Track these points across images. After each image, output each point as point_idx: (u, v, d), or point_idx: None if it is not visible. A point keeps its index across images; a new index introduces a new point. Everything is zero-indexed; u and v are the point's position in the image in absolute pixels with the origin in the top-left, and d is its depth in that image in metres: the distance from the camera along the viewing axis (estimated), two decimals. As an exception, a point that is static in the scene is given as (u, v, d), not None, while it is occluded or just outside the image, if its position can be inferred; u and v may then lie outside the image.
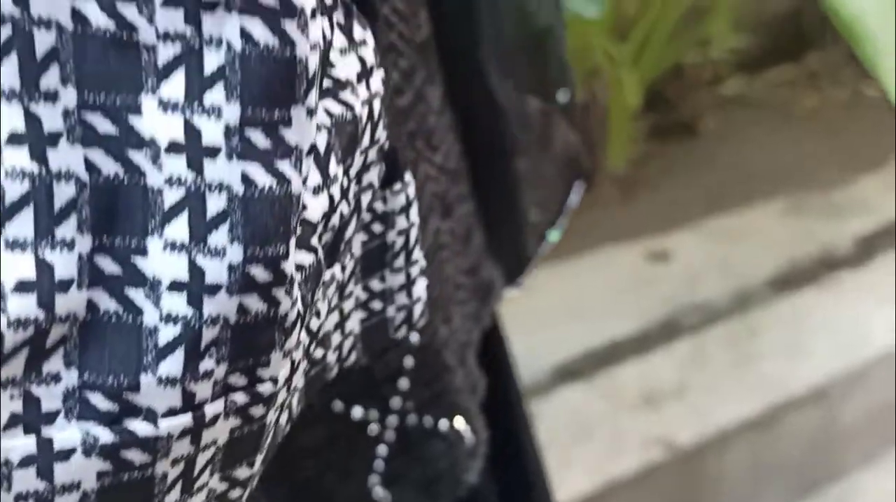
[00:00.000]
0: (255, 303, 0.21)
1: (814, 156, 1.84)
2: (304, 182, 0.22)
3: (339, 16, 0.25)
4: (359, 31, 0.26)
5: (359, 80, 0.26)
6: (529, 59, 0.52)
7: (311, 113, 0.22)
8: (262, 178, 0.21)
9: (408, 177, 0.32)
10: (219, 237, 0.21)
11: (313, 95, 0.22)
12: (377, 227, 0.32)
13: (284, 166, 0.21)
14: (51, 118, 0.20)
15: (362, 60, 0.26)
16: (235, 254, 0.21)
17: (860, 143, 1.82)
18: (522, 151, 0.51)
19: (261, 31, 0.21)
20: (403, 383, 0.39)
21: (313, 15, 0.22)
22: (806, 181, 1.76)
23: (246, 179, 0.21)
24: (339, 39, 0.25)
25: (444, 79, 0.46)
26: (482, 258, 0.50)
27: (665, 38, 1.72)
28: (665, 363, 1.38)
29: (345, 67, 0.25)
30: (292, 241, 0.22)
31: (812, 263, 1.54)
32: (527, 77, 0.52)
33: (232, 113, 0.21)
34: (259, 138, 0.21)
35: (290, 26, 0.21)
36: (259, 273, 0.21)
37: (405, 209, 0.32)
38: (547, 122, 0.54)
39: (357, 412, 0.39)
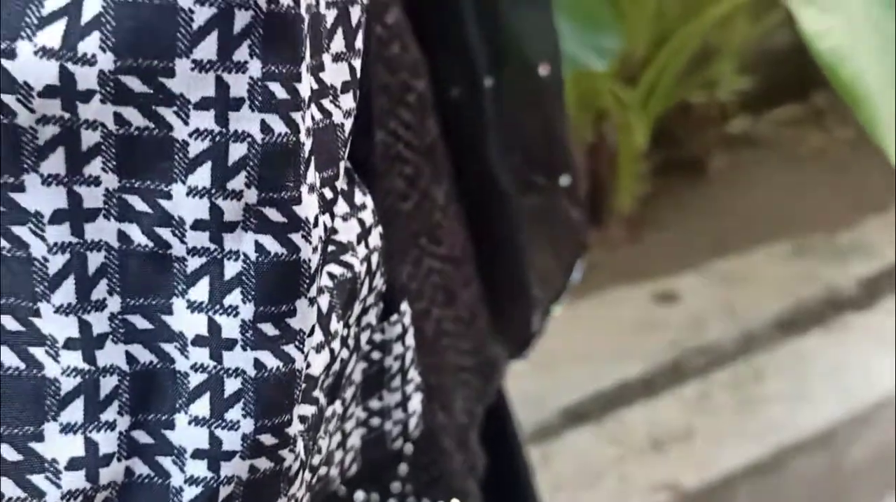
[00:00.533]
0: (263, 463, 0.25)
1: (818, 196, 1.86)
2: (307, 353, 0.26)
3: (342, 183, 0.28)
4: (359, 196, 0.30)
5: (358, 241, 0.29)
6: (534, 143, 0.55)
7: (312, 301, 0.25)
8: (271, 362, 0.25)
9: (404, 306, 0.35)
10: (234, 413, 0.25)
11: (315, 285, 0.25)
12: (376, 355, 0.35)
13: (290, 349, 0.25)
14: (99, 323, 0.24)
15: (362, 222, 0.30)
16: (248, 426, 0.25)
17: (865, 184, 1.84)
18: (525, 231, 0.53)
19: (271, 243, 0.24)
20: (403, 468, 0.42)
21: (315, 222, 0.25)
22: (810, 223, 1.78)
23: (258, 364, 0.25)
24: (342, 206, 0.28)
25: (451, 171, 0.48)
26: (486, 337, 0.53)
27: (673, 81, 1.75)
28: (672, 406, 1.39)
29: (346, 231, 0.29)
30: (296, 409, 0.25)
31: (817, 305, 1.56)
32: (531, 160, 0.54)
33: (247, 311, 0.24)
34: (269, 329, 0.25)
35: (296, 236, 0.24)
36: (267, 439, 0.25)
37: (401, 336, 0.35)
38: (549, 201, 0.56)
39: (359, 496, 0.41)
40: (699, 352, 1.46)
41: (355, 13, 0.27)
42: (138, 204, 0.23)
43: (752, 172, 1.98)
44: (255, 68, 0.22)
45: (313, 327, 0.26)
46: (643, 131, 1.71)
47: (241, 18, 0.22)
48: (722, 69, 1.91)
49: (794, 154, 2.05)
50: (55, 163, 0.22)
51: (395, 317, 0.35)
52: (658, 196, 1.92)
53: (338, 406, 0.31)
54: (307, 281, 0.25)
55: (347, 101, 0.28)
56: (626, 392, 1.41)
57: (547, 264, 0.56)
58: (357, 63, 0.28)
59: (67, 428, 0.23)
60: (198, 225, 0.23)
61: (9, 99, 0.21)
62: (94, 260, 0.23)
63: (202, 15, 0.21)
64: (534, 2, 0.52)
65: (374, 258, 0.30)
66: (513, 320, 0.55)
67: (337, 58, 0.27)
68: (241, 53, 0.22)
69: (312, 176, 0.25)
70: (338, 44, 0.27)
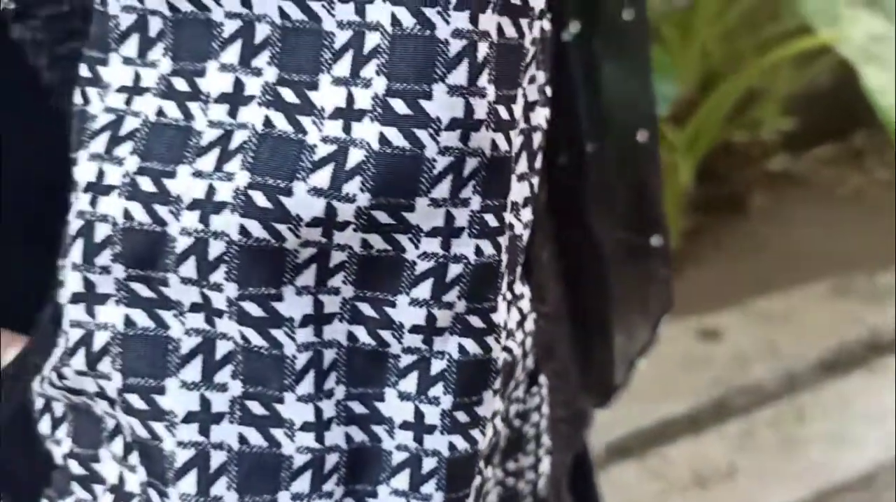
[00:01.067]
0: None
1: (858, 236, 1.88)
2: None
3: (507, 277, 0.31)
4: (519, 286, 0.33)
5: (517, 327, 0.33)
6: (629, 203, 0.57)
7: (496, 392, 0.29)
8: (461, 444, 0.28)
9: (542, 379, 0.39)
10: (428, 487, 0.29)
11: (498, 378, 0.29)
12: (516, 423, 0.39)
13: (475, 432, 0.29)
14: (328, 409, 0.28)
15: (521, 310, 0.33)
16: (438, 499, 0.29)
17: (905, 225, 1.86)
18: (615, 288, 0.57)
19: (471, 345, 0.28)
20: None
21: (505, 327, 0.29)
22: (850, 263, 1.80)
23: (451, 446, 0.28)
24: (505, 295, 0.32)
25: (554, 234, 0.52)
26: (577, 389, 0.56)
27: (718, 124, 1.78)
28: (715, 444, 1.42)
29: (508, 319, 0.32)
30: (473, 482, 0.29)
31: (859, 347, 1.58)
32: (625, 219, 0.57)
33: (447, 402, 0.28)
34: (462, 416, 0.29)
35: (490, 339, 0.28)
36: None
37: (539, 406, 0.39)
38: (640, 259, 0.59)
39: None
40: (742, 391, 1.49)
41: (537, 138, 0.31)
42: (367, 310, 0.27)
43: (792, 210, 2.01)
44: (476, 203, 0.26)
45: (495, 413, 0.30)
46: (688, 171, 1.74)
47: (471, 164, 0.26)
48: (765, 111, 1.94)
49: (833, 193, 2.07)
50: (307, 277, 0.26)
51: (535, 389, 0.39)
52: (700, 232, 1.95)
53: (488, 471, 0.35)
54: (494, 375, 0.29)
55: (527, 214, 0.31)
56: (670, 428, 1.43)
57: (634, 320, 0.59)
58: (536, 181, 0.32)
59: (297, 497, 0.27)
60: (414, 329, 0.27)
61: (281, 228, 0.25)
62: (328, 356, 0.27)
63: (442, 163, 0.25)
64: (635, 71, 0.55)
65: (528, 342, 0.34)
66: (599, 372, 0.58)
67: (521, 178, 0.30)
68: (467, 192, 0.26)
69: (504, 285, 0.28)
70: (522, 165, 0.30)
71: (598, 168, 0.53)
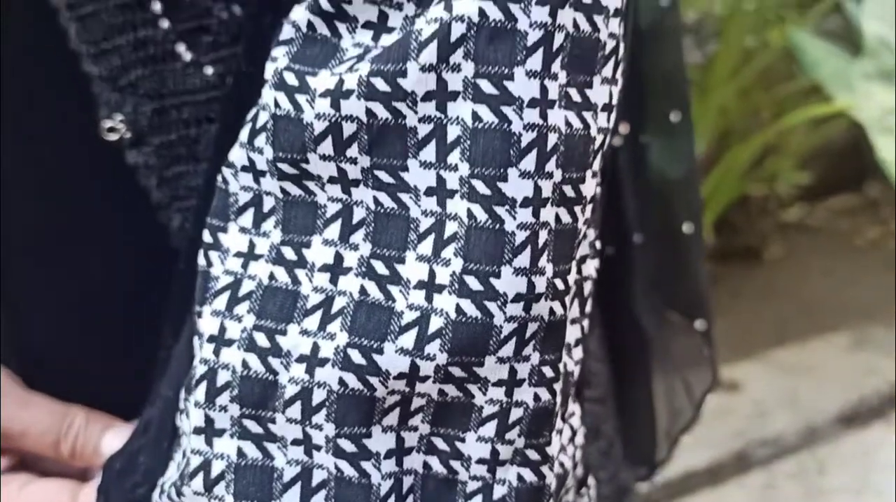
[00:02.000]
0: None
1: (875, 287, 1.91)
2: None
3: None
4: (571, 405, 0.37)
5: (568, 442, 0.36)
6: (674, 289, 0.60)
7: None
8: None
9: (591, 481, 0.42)
10: None
11: (552, 500, 0.33)
12: None
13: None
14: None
15: (572, 427, 0.37)
16: None
17: (921, 277, 1.89)
18: (661, 368, 0.60)
19: (529, 474, 0.32)
20: None
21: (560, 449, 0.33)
22: (869, 314, 1.82)
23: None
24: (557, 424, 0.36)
25: (601, 320, 0.55)
26: (621, 465, 0.59)
27: (735, 179, 1.82)
28: (736, 495, 1.44)
29: (560, 436, 0.36)
30: None
31: (878, 399, 1.60)
32: (670, 303, 0.60)
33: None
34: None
35: (545, 468, 0.32)
36: None
37: None
38: (685, 340, 0.62)
39: None
40: (764, 443, 1.51)
41: (587, 287, 0.35)
42: (440, 444, 0.31)
43: (809, 261, 2.04)
44: (535, 358, 0.30)
45: None
46: (706, 226, 1.78)
47: (531, 328, 0.30)
48: (781, 165, 1.98)
49: (850, 244, 2.11)
50: (392, 418, 0.30)
51: (583, 490, 0.42)
52: (718, 283, 1.98)
53: None
54: (548, 497, 0.32)
55: (578, 352, 0.35)
56: (691, 480, 1.46)
57: (678, 399, 0.62)
58: (587, 323, 0.36)
59: None
60: (480, 461, 0.31)
61: (373, 380, 0.29)
62: (407, 482, 0.31)
63: (507, 328, 0.29)
64: (681, 167, 0.58)
65: (579, 453, 0.38)
66: (643, 449, 0.61)
67: (573, 322, 0.34)
68: (528, 350, 0.30)
69: (558, 419, 0.32)
70: (574, 311, 0.34)
71: (644, 256, 0.57)
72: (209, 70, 0.34)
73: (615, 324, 0.56)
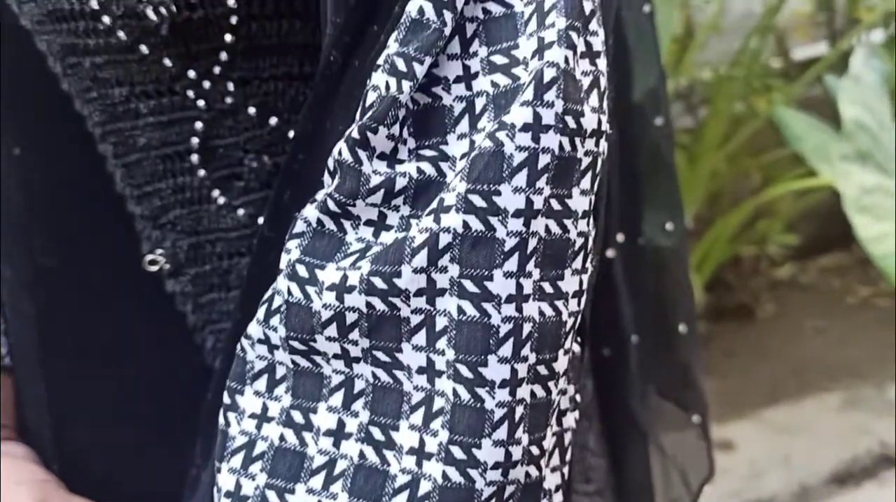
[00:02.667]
0: None
1: (867, 347, 1.95)
2: None
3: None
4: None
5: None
6: (670, 383, 0.62)
7: None
8: None
9: None
10: None
11: None
12: None
13: None
14: None
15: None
16: None
17: (911, 336, 1.92)
18: (658, 462, 0.62)
19: None
20: None
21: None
22: (860, 374, 1.85)
23: None
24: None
25: (599, 415, 0.58)
26: None
27: (726, 243, 1.86)
28: (733, 557, 1.46)
29: None
30: None
31: (871, 459, 1.63)
32: (666, 396, 0.62)
33: None
34: None
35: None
36: None
37: None
38: (681, 435, 0.64)
39: None
40: (758, 503, 1.53)
41: (567, 437, 0.38)
42: None
43: (801, 319, 2.08)
44: None
45: None
46: (699, 288, 1.82)
47: (509, 490, 0.33)
48: (771, 228, 2.03)
49: (841, 302, 2.14)
50: None
51: None
52: (711, 341, 2.02)
53: None
54: None
55: (558, 497, 0.38)
56: (689, 540, 1.48)
57: (675, 489, 0.64)
58: (566, 470, 0.38)
59: None
60: None
61: None
62: None
63: (488, 491, 0.32)
64: (676, 273, 0.60)
65: None
66: None
67: (553, 470, 0.37)
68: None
69: None
70: (555, 459, 0.37)
71: (642, 355, 0.58)
72: (241, 211, 0.39)
73: (614, 420, 0.58)
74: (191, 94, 0.37)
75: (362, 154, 0.32)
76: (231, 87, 0.37)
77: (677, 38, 1.92)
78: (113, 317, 0.41)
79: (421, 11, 0.31)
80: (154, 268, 0.39)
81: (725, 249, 1.90)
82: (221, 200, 0.39)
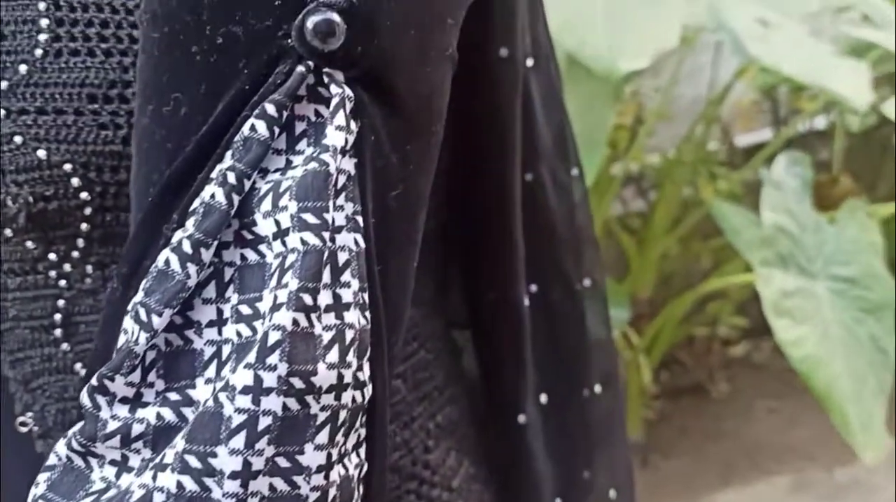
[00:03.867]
0: None
1: (817, 428, 1.97)
2: None
3: None
4: None
5: None
6: (584, 456, 0.58)
7: None
8: None
9: None
10: None
11: None
12: None
13: None
14: None
15: None
16: None
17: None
18: None
19: None
20: None
21: None
22: (810, 456, 1.88)
23: None
24: None
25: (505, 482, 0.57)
26: None
27: (676, 326, 1.90)
28: None
29: None
30: None
31: (818, 544, 1.65)
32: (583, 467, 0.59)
33: None
34: None
35: None
36: None
37: None
38: None
39: None
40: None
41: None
42: None
43: (753, 399, 2.11)
44: None
45: None
46: (649, 372, 1.85)
47: None
48: (721, 309, 2.07)
49: (792, 382, 2.18)
50: None
51: None
52: (665, 421, 2.04)
53: None
54: None
55: None
56: None
57: None
58: None
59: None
60: None
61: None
62: None
63: None
64: (591, 326, 0.57)
65: None
66: None
67: None
68: None
69: None
70: None
71: (548, 421, 0.56)
72: None
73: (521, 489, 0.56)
74: (52, 274, 0.39)
75: (101, 400, 0.32)
76: (90, 269, 0.39)
77: (626, 126, 1.98)
78: None
79: (167, 262, 0.31)
80: (24, 430, 0.41)
81: (677, 331, 1.93)
82: (83, 372, 0.40)
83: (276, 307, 0.30)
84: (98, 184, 0.37)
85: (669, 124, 2.06)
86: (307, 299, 0.30)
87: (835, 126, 2.16)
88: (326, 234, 0.31)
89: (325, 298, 0.31)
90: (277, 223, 0.31)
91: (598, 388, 0.58)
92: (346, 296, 0.32)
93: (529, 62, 0.50)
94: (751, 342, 2.29)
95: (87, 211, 0.37)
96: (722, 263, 2.03)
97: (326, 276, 0.31)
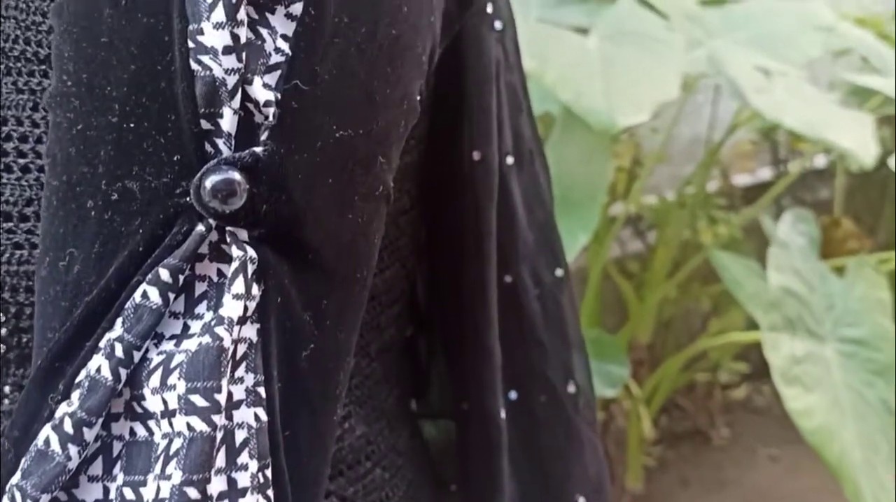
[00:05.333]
0: None
1: (818, 477, 1.93)
2: None
3: None
4: None
5: None
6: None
7: None
8: None
9: None
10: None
11: None
12: None
13: None
14: None
15: None
16: None
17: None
18: None
19: None
20: None
21: None
22: (811, 506, 1.84)
23: None
24: None
25: None
26: None
27: (676, 376, 1.86)
28: None
29: None
30: None
31: None
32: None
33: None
34: None
35: None
36: None
37: None
38: None
39: None
40: None
41: None
42: None
43: (754, 446, 2.06)
44: None
45: None
46: (649, 422, 1.81)
47: None
48: (722, 355, 2.03)
49: (794, 427, 2.13)
50: None
51: None
52: (665, 468, 1.99)
53: None
54: None
55: None
56: None
57: None
58: None
59: None
60: None
61: None
62: None
63: None
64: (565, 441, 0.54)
65: None
66: None
67: None
68: None
69: None
70: None
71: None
72: None
73: None
74: None
75: None
76: (7, 390, 0.36)
77: (624, 168, 1.95)
78: None
79: (47, 442, 0.30)
80: None
81: (677, 379, 1.89)
82: None
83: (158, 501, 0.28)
84: (13, 304, 0.34)
85: (667, 164, 2.03)
86: (192, 494, 0.28)
87: (835, 164, 2.13)
88: (217, 418, 0.29)
89: (218, 485, 0.29)
90: (165, 402, 0.29)
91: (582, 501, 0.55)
92: (243, 480, 0.30)
93: (510, 160, 0.48)
94: (751, 385, 2.25)
95: (2, 331, 0.35)
96: (722, 308, 1.99)
97: (221, 460, 0.29)
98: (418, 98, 0.36)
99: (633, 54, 1.26)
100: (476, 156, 0.44)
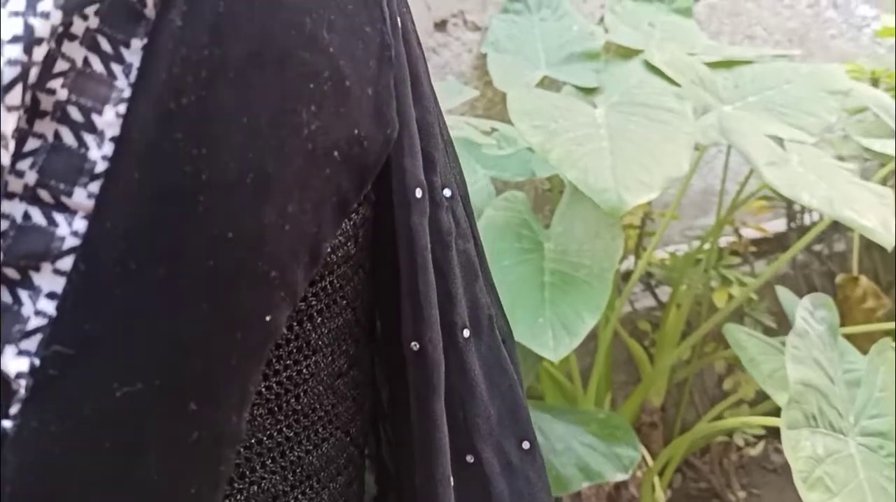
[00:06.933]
0: None
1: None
2: None
3: None
4: None
5: None
6: None
7: None
8: None
9: None
10: None
11: None
12: None
13: None
14: None
15: None
16: None
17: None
18: None
19: None
20: None
21: None
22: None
23: None
24: None
25: None
26: None
27: (694, 437, 1.80)
28: None
29: None
30: None
31: None
32: None
33: None
34: None
35: None
36: None
37: None
38: None
39: None
40: None
41: None
42: None
43: (771, 506, 2.00)
44: None
45: None
46: (663, 495, 1.75)
47: None
48: (738, 417, 1.97)
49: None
50: None
51: None
52: (681, 533, 1.93)
53: None
54: None
55: None
56: None
57: None
58: None
59: None
60: None
61: None
62: None
63: None
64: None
65: None
66: None
67: None
68: None
69: None
70: None
71: None
72: None
73: None
74: None
75: None
76: None
77: (634, 225, 1.90)
78: None
79: None
80: None
81: (691, 446, 1.83)
82: None
83: None
84: None
85: (681, 214, 1.99)
86: None
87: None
88: None
89: None
90: None
91: None
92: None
93: (465, 333, 0.47)
94: (768, 441, 2.18)
95: None
96: (735, 368, 1.93)
97: None
98: (282, 317, 0.34)
99: (643, 126, 1.22)
100: (415, 346, 0.43)
